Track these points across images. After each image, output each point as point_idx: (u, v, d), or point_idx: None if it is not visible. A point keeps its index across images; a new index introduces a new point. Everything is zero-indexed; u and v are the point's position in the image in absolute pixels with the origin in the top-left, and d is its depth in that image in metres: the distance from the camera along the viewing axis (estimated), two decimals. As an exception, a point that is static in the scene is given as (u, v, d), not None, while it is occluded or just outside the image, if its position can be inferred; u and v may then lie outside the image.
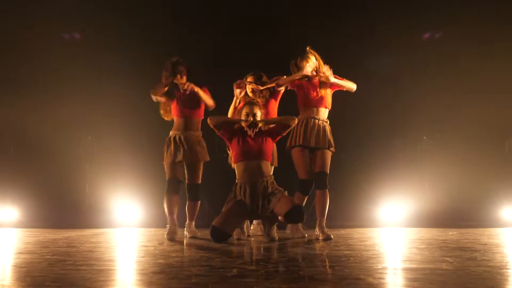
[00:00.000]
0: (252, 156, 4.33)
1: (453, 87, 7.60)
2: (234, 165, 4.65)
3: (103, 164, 7.53)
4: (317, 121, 4.57)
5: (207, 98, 4.69)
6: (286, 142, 4.68)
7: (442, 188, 7.41)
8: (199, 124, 4.76)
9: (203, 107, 4.77)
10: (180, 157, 4.60)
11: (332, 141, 4.61)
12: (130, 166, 7.08)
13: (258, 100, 4.64)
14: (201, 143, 4.73)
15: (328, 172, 4.56)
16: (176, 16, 7.71)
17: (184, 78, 4.72)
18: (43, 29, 7.63)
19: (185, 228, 4.77)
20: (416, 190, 7.47)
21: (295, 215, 4.14)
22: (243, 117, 4.42)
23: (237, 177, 4.39)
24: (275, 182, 4.37)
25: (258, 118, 4.40)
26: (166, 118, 4.84)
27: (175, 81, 4.62)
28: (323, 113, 4.65)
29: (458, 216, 7.20)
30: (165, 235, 4.52)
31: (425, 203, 7.45)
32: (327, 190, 4.52)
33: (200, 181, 4.74)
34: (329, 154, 4.59)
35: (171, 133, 4.73)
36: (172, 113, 4.77)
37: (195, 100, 4.69)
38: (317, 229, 4.47)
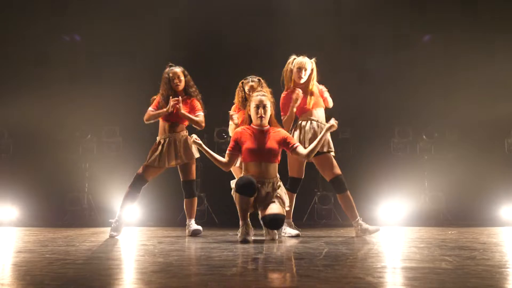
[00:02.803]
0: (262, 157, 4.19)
1: (453, 87, 7.62)
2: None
3: (102, 162, 7.54)
4: (314, 123, 4.52)
5: (194, 121, 4.69)
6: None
7: (441, 187, 7.42)
8: (184, 126, 4.76)
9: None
10: (167, 163, 4.60)
11: (331, 144, 4.54)
12: (129, 164, 7.08)
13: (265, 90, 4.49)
14: (187, 143, 4.69)
15: (341, 173, 4.51)
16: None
17: (183, 82, 4.75)
18: (43, 28, 7.64)
19: (186, 227, 4.78)
20: (415, 189, 7.48)
21: (271, 222, 4.02)
22: (252, 111, 4.24)
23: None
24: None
25: (268, 110, 4.24)
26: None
27: (171, 100, 4.61)
28: (321, 113, 4.61)
29: (457, 215, 7.21)
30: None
31: (424, 202, 7.46)
32: (347, 192, 4.49)
33: (194, 178, 4.75)
34: (331, 157, 4.53)
35: (158, 138, 4.74)
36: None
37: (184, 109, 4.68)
38: (356, 230, 4.49)
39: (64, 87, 7.49)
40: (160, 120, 4.75)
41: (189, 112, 4.70)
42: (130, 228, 5.99)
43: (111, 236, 4.44)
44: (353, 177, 7.15)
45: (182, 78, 4.76)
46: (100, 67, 7.58)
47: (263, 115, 4.21)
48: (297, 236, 4.52)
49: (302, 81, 4.58)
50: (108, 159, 7.54)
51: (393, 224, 6.67)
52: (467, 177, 7.18)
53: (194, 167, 4.76)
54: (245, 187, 3.97)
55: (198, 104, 4.75)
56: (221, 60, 7.69)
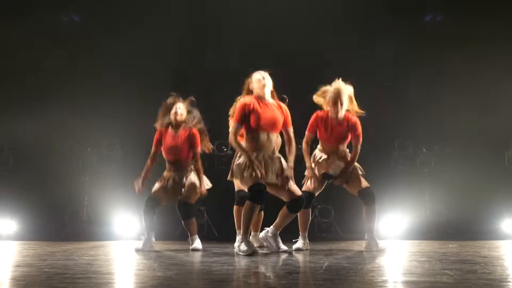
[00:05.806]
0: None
1: (453, 100, 7.63)
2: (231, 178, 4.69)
3: (102, 175, 7.52)
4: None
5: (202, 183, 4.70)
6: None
7: (442, 201, 7.40)
8: (186, 165, 4.73)
9: (190, 153, 4.73)
10: (172, 198, 4.70)
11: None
12: (129, 178, 7.06)
13: None
14: (190, 179, 4.68)
15: (369, 185, 4.56)
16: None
17: (185, 113, 4.75)
18: (43, 42, 7.68)
19: (190, 242, 4.78)
20: (416, 202, 7.45)
21: (297, 205, 4.20)
22: (256, 84, 4.25)
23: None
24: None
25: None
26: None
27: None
28: (343, 147, 4.67)
29: (458, 228, 7.18)
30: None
31: (425, 215, 7.43)
32: (375, 205, 4.52)
33: (191, 201, 4.68)
34: (356, 170, 4.60)
35: (165, 172, 4.78)
36: (163, 152, 4.82)
37: (183, 144, 4.70)
38: (367, 242, 4.50)
39: (64, 101, 7.51)
40: (164, 157, 4.79)
41: (189, 146, 4.68)
42: (129, 242, 5.97)
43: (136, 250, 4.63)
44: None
45: (184, 111, 4.73)
46: (100, 80, 7.60)
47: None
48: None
49: (340, 116, 4.59)
50: (108, 172, 7.53)
51: (393, 238, 6.63)
52: (467, 190, 7.16)
53: (194, 193, 4.68)
54: (259, 193, 3.97)
55: (197, 139, 4.71)
56: (221, 75, 7.70)
